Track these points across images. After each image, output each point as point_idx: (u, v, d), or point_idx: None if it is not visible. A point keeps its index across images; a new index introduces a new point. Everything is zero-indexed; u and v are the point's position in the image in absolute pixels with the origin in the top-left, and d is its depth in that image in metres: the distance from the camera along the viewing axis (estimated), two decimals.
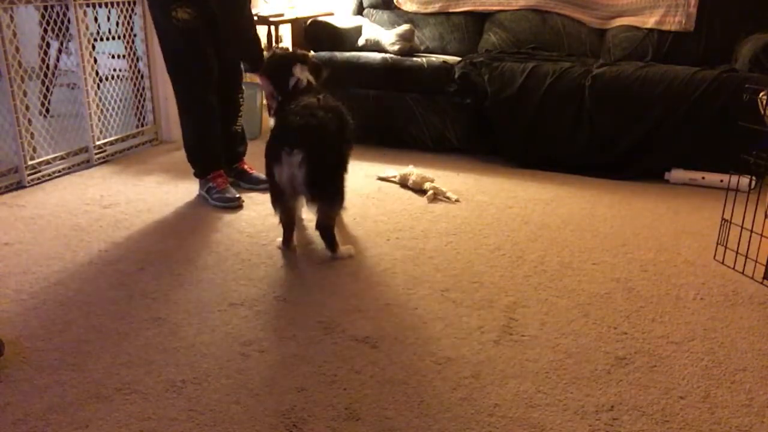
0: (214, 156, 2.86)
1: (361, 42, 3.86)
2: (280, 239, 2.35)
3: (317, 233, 2.26)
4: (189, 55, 2.67)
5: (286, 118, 2.20)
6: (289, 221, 2.29)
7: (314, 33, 3.85)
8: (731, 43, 3.42)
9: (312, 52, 3.83)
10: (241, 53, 2.76)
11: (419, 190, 2.96)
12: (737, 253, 2.22)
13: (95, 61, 3.38)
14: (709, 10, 3.53)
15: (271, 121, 2.47)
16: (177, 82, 2.76)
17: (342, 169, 2.26)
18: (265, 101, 3.81)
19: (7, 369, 1.63)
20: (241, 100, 2.95)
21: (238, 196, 2.79)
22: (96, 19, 3.66)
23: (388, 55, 3.63)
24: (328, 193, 2.18)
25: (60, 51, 3.68)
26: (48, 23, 3.14)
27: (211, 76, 2.73)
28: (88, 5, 3.26)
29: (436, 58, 3.60)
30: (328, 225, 2.23)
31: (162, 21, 2.64)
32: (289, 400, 1.52)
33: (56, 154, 3.15)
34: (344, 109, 2.37)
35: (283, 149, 2.09)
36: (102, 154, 3.37)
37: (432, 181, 2.96)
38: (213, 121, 2.81)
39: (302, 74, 2.40)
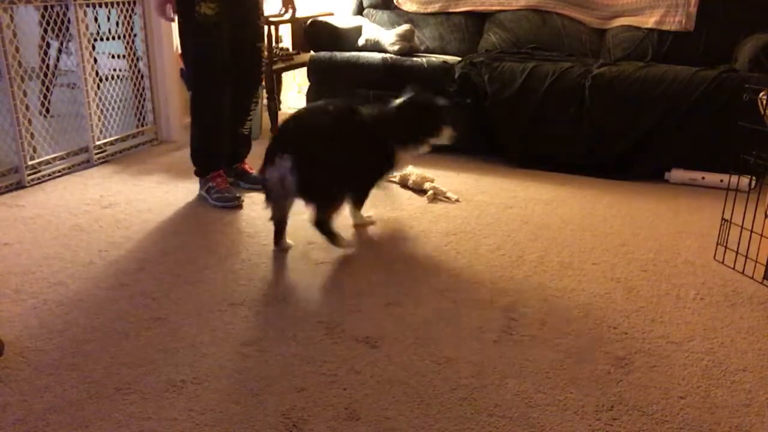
0: (216, 156, 2.86)
1: (361, 42, 3.86)
2: None
3: (318, 232, 2.26)
4: (208, 52, 2.66)
5: (285, 121, 2.25)
6: (280, 220, 2.30)
7: (314, 33, 3.85)
8: (731, 43, 3.42)
9: (312, 52, 3.83)
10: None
11: (419, 190, 2.96)
12: (737, 253, 2.22)
13: (95, 61, 3.37)
14: (709, 10, 3.53)
15: None
16: (193, 78, 2.75)
17: (338, 170, 2.23)
18: (265, 101, 3.82)
19: (7, 369, 1.63)
20: (253, 105, 2.94)
21: (238, 195, 2.79)
22: (96, 19, 3.65)
23: (388, 55, 3.63)
24: (319, 196, 2.21)
25: (60, 51, 3.68)
26: (48, 23, 3.14)
27: (227, 77, 2.72)
28: (88, 5, 3.26)
29: (436, 58, 3.60)
30: (320, 220, 2.24)
31: (185, 16, 2.63)
32: (289, 400, 1.52)
33: (56, 154, 3.15)
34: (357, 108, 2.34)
35: (276, 153, 2.14)
36: (102, 154, 3.37)
37: (432, 181, 2.97)
38: (221, 123, 2.79)
39: None
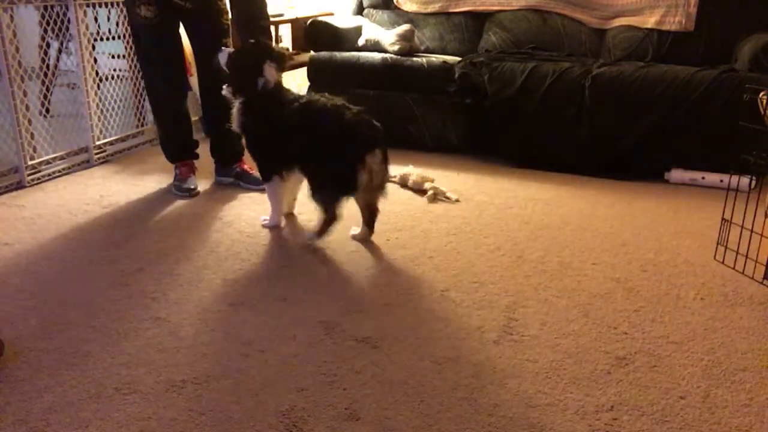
0: (178, 147, 2.99)
1: (361, 42, 3.86)
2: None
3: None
4: (152, 52, 2.77)
5: (343, 120, 2.25)
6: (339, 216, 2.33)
7: (314, 33, 3.85)
8: (731, 43, 3.42)
9: (312, 52, 3.83)
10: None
11: (419, 190, 2.96)
12: (737, 253, 2.22)
13: (95, 61, 3.38)
14: (709, 10, 3.53)
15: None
16: (143, 77, 2.91)
17: None
18: None
19: (7, 369, 1.63)
20: None
21: (193, 187, 2.89)
22: (96, 19, 3.65)
23: (388, 55, 3.63)
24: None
25: (60, 51, 3.68)
26: (48, 23, 3.14)
27: (175, 74, 2.84)
28: (88, 5, 3.26)
29: (436, 58, 3.60)
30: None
31: (131, 17, 2.74)
32: (289, 400, 1.52)
33: (56, 154, 3.15)
34: None
35: (366, 151, 2.18)
36: (102, 154, 3.37)
37: (432, 181, 2.97)
38: (177, 117, 2.93)
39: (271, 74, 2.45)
